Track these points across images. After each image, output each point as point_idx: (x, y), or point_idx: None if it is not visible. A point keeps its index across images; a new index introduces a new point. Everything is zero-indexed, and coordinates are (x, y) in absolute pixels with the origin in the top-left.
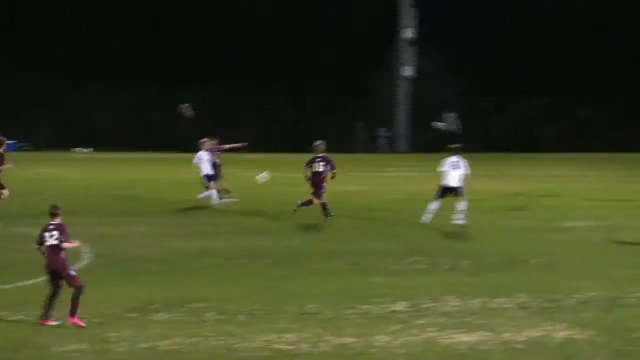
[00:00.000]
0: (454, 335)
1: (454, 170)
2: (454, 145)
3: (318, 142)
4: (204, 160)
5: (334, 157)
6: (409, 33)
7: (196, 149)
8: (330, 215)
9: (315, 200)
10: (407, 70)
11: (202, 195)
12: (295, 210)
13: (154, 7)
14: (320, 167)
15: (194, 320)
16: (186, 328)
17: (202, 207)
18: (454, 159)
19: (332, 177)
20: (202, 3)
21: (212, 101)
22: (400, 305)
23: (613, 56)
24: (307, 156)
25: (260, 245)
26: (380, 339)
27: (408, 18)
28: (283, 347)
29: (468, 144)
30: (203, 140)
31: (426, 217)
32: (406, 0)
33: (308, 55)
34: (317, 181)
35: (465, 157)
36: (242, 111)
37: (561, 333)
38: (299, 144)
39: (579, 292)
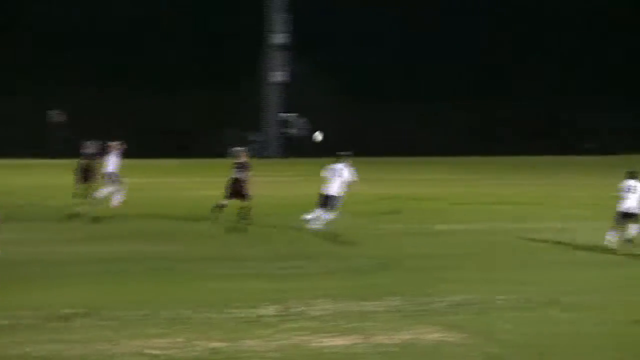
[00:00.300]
0: (326, 339)
1: (336, 178)
2: (342, 153)
3: (237, 149)
4: (111, 163)
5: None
6: (279, 38)
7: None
8: (247, 221)
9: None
10: (278, 76)
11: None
12: (247, 224)
13: None
14: (238, 173)
15: (63, 326)
16: (56, 333)
17: (75, 214)
18: (339, 166)
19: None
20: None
21: (87, 105)
22: (271, 310)
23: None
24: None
25: (140, 250)
26: (251, 343)
27: (278, 23)
28: (154, 352)
29: (344, 148)
30: (112, 143)
31: (313, 223)
32: (277, 5)
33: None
34: (236, 187)
35: (352, 164)
36: (116, 115)
37: (433, 335)
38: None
39: (452, 294)
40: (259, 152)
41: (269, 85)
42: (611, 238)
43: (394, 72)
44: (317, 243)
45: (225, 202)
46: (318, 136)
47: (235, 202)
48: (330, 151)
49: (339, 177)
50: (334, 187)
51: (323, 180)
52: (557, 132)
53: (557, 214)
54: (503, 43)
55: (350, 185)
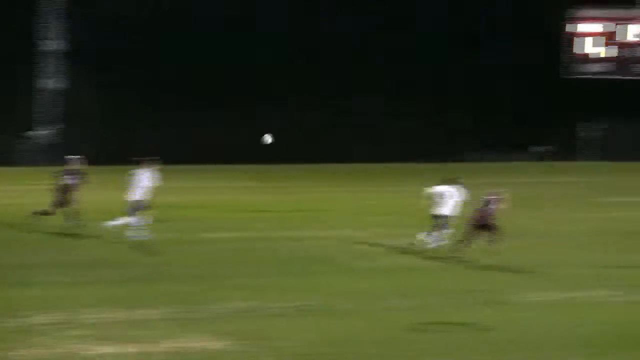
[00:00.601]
0: (95, 347)
1: (142, 183)
2: (147, 158)
3: (72, 157)
4: None
5: None
6: (54, 45)
7: None
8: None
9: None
10: (51, 83)
11: None
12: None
13: None
14: (68, 180)
15: None
16: None
17: None
18: (141, 171)
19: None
20: None
21: None
22: (41, 318)
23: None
24: None
25: None
26: (23, 353)
27: (53, 30)
28: None
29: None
30: None
31: (116, 228)
32: (51, 11)
33: None
34: (64, 194)
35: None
36: None
37: (202, 344)
38: None
39: (226, 302)
40: (28, 159)
41: (41, 92)
42: (426, 239)
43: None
44: (87, 251)
45: (51, 209)
46: (267, 139)
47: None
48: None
49: (142, 182)
50: (137, 194)
51: (128, 187)
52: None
53: (338, 221)
54: None
55: (152, 191)
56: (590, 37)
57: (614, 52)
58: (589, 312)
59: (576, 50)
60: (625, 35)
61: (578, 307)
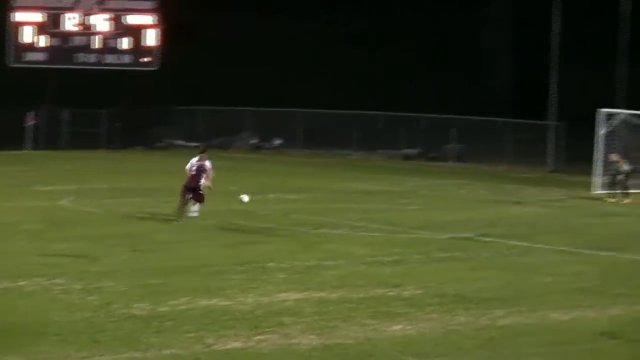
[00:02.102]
0: None
1: None
2: None
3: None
4: None
5: None
6: None
7: None
8: None
9: None
10: None
11: None
12: None
13: None
14: None
15: None
16: None
17: None
18: None
19: None
20: None
21: None
22: None
23: None
24: None
25: None
26: None
27: None
28: None
29: None
30: None
31: None
32: None
33: None
34: None
35: None
36: None
37: None
38: None
39: None
40: None
41: None
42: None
43: None
44: None
45: None
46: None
47: None
48: None
49: None
50: None
51: None
52: None
53: None
54: None
55: None
56: (31, 26)
57: (54, 41)
58: None
59: (20, 39)
60: (64, 25)
61: None
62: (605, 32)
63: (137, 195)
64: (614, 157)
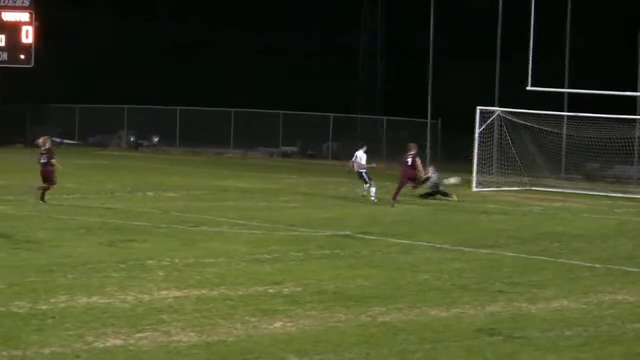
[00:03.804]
0: None
1: None
2: None
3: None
4: None
5: None
6: None
7: None
8: None
9: None
10: None
11: None
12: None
13: None
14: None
15: None
16: None
17: None
18: None
19: None
20: None
21: None
22: None
23: None
24: None
25: None
26: None
27: None
28: None
29: None
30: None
31: None
32: None
33: None
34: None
35: None
36: None
37: None
38: None
39: None
40: None
41: None
42: None
43: None
44: None
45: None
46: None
47: None
48: None
49: None
50: None
51: None
52: None
53: None
54: None
55: None
56: None
57: None
58: None
59: None
60: None
61: None
62: (483, 30)
63: (15, 193)
64: (430, 170)
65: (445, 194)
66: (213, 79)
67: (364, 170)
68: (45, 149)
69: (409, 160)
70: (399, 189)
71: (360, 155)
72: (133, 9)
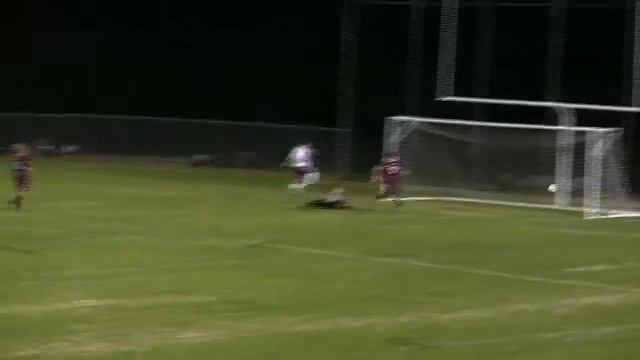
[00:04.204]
0: None
1: None
2: None
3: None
4: None
5: None
6: None
7: None
8: None
9: None
10: None
11: None
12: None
13: None
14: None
15: None
16: None
17: None
18: None
19: None
20: None
21: None
22: None
23: None
24: None
25: None
26: None
27: None
28: None
29: None
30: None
31: None
32: None
33: None
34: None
35: None
36: None
37: None
38: None
39: None
40: None
41: None
42: None
43: None
44: None
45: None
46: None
47: None
48: None
49: None
50: None
51: None
52: None
53: None
54: None
55: None
56: None
57: None
58: None
59: None
60: None
61: None
62: (399, 39)
63: None
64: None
65: (343, 207)
66: (127, 88)
67: (301, 166)
68: (23, 156)
69: (396, 168)
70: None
71: (301, 153)
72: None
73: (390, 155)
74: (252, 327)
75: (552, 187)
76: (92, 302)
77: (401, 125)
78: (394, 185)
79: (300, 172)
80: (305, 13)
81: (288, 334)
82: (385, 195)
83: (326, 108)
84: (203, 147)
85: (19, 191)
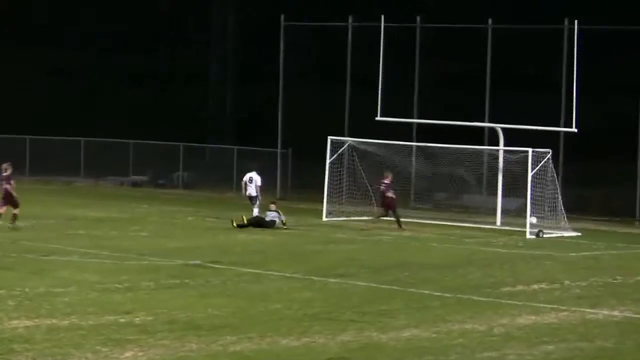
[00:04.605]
0: None
1: None
2: None
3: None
4: None
5: None
6: None
7: None
8: None
9: None
10: None
11: None
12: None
13: None
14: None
15: None
16: None
17: None
18: None
19: None
20: None
21: None
22: None
23: None
24: None
25: None
26: None
27: None
28: None
29: None
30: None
31: None
32: None
33: None
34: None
35: None
36: None
37: None
38: None
39: None
40: None
41: None
42: None
43: None
44: None
45: None
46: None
47: None
48: None
49: None
50: None
51: None
52: None
53: None
54: None
55: None
56: None
57: None
58: None
59: None
60: None
61: None
62: (336, 58)
63: None
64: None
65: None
66: (62, 107)
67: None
68: (6, 175)
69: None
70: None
71: (256, 178)
72: None
73: (383, 175)
74: (190, 346)
75: (532, 219)
76: (30, 322)
77: (339, 145)
78: (388, 205)
79: (254, 198)
80: (239, 34)
81: (226, 354)
82: (384, 214)
83: (261, 128)
84: (141, 167)
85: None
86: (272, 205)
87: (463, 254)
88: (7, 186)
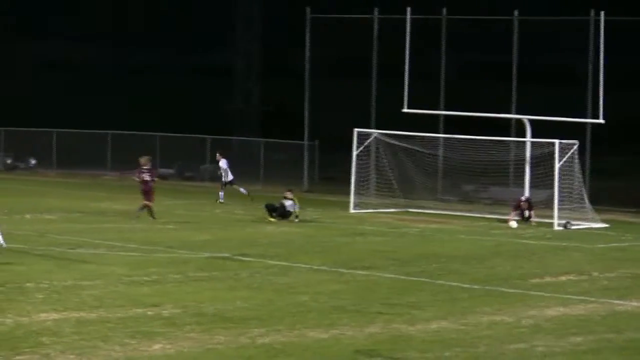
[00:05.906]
0: None
1: None
2: None
3: None
4: None
5: None
6: None
7: None
8: None
9: None
10: None
11: None
12: None
13: None
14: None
15: None
16: None
17: None
18: None
19: None
20: None
21: None
22: None
23: None
24: None
25: None
26: None
27: None
28: None
29: None
30: None
31: None
32: None
33: None
34: None
35: None
36: None
37: None
38: None
39: None
40: None
41: None
42: None
43: None
44: None
45: None
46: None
47: None
48: None
49: None
50: None
51: None
52: None
53: None
54: None
55: None
56: None
57: None
58: None
59: None
60: None
61: None
62: (360, 52)
63: None
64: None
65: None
66: (90, 101)
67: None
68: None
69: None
70: None
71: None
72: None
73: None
74: (218, 339)
75: (513, 224)
76: (58, 315)
77: (365, 137)
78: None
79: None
80: (264, 28)
81: (254, 346)
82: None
83: (291, 120)
84: (168, 160)
85: None
86: (289, 193)
87: (491, 246)
88: (150, 181)
